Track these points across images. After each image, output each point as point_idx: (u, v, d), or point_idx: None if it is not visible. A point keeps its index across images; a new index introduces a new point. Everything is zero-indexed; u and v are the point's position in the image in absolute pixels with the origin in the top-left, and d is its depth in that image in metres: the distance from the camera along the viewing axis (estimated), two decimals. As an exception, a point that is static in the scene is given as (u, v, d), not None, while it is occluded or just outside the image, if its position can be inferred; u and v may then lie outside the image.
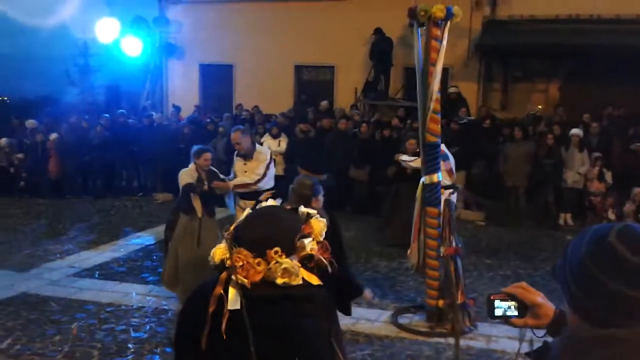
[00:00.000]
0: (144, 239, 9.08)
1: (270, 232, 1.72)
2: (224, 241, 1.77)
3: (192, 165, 6.05)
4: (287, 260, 1.68)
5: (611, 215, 9.99)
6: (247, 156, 6.25)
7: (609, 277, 1.28)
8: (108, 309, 6.20)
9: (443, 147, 7.23)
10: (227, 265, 1.70)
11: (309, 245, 1.73)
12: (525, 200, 10.58)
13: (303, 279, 1.71)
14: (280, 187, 11.36)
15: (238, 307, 1.66)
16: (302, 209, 1.85)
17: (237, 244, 1.72)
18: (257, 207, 1.90)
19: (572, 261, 1.36)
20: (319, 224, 1.81)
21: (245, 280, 1.66)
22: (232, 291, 1.68)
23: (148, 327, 5.76)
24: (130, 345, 5.38)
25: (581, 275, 1.33)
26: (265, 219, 1.79)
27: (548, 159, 10.22)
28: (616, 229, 1.32)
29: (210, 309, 1.71)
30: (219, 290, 1.70)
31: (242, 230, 1.76)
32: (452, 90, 12.40)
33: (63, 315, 6.04)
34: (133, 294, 6.64)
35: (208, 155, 6.12)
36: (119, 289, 6.84)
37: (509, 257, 8.36)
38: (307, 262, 1.73)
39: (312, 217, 1.82)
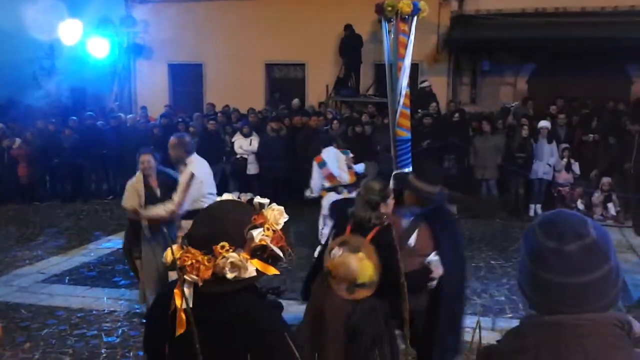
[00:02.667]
0: (115, 242, 8.93)
1: (216, 228, 1.72)
2: (178, 243, 1.77)
3: (138, 174, 5.67)
4: (234, 254, 1.67)
5: (580, 205, 10.19)
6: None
7: (532, 262, 1.34)
8: (79, 315, 6.09)
9: (323, 153, 7.87)
10: (177, 265, 1.69)
11: (259, 236, 1.72)
12: (496, 192, 10.73)
13: (257, 270, 1.70)
14: (253, 187, 11.44)
15: (190, 305, 1.66)
16: (257, 200, 1.83)
17: (187, 243, 1.73)
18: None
19: (520, 250, 1.43)
20: (273, 213, 1.79)
21: (196, 278, 1.66)
22: (187, 290, 1.68)
23: (120, 331, 5.67)
24: (102, 351, 5.29)
25: (520, 262, 1.39)
26: (212, 215, 1.79)
27: (519, 152, 10.36)
28: (542, 215, 1.40)
29: (171, 310, 1.71)
30: (178, 291, 1.70)
31: (192, 229, 1.77)
32: (424, 84, 12.47)
33: (33, 322, 5.92)
34: (104, 298, 6.53)
35: (144, 157, 5.63)
36: (90, 294, 6.72)
37: (481, 249, 8.47)
38: (260, 252, 1.72)
39: (264, 206, 1.80)
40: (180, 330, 1.68)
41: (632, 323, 1.30)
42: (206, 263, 1.67)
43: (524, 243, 1.39)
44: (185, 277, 1.67)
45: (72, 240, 9.08)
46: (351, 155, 8.09)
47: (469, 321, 5.68)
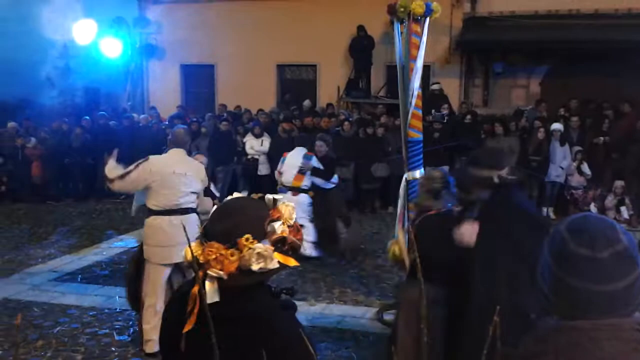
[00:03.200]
0: (127, 241, 9.00)
1: (238, 221, 1.73)
2: (196, 240, 1.77)
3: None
4: (260, 244, 1.69)
5: (593, 208, 10.10)
6: None
7: (560, 268, 1.31)
8: (91, 313, 6.13)
9: (292, 152, 8.17)
10: (200, 262, 1.70)
11: (280, 228, 1.75)
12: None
13: (279, 262, 1.72)
14: (264, 187, 11.45)
15: (217, 299, 1.67)
16: (269, 195, 1.85)
17: (207, 239, 1.73)
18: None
19: (541, 255, 1.39)
20: (287, 208, 1.81)
21: (221, 272, 1.67)
22: (209, 285, 1.69)
23: (132, 330, 5.70)
24: (113, 349, 5.32)
25: (542, 266, 1.36)
26: (231, 209, 1.80)
27: (534, 154, 10.30)
28: (570, 220, 1.36)
29: (189, 308, 1.71)
30: (197, 288, 1.70)
31: (211, 225, 1.77)
32: (434, 87, 12.45)
33: (45, 320, 5.97)
34: (116, 297, 6.56)
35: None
36: (102, 293, 6.76)
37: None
38: (281, 245, 1.74)
39: (278, 202, 1.82)
40: (189, 326, 1.68)
41: None
42: (230, 257, 1.68)
43: (550, 247, 1.35)
44: (209, 272, 1.68)
45: (84, 239, 9.14)
46: (313, 163, 7.97)
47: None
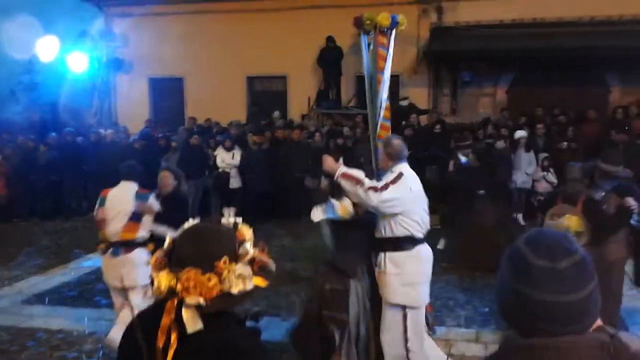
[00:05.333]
0: (95, 260, 8.75)
1: (213, 245, 1.71)
2: (155, 270, 1.71)
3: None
4: (238, 266, 1.68)
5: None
6: None
7: (519, 282, 1.31)
8: (59, 336, 5.98)
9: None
10: (176, 290, 1.64)
11: (251, 249, 1.75)
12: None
13: (253, 282, 1.72)
14: (236, 200, 11.36)
15: (201, 326, 1.63)
16: (226, 219, 1.84)
17: (179, 266, 1.68)
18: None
19: (500, 270, 1.40)
20: (248, 231, 1.81)
21: (201, 299, 1.63)
22: (187, 313, 1.64)
23: (101, 353, 5.56)
24: (83, 373, 5.20)
25: (501, 283, 1.37)
26: (201, 234, 1.77)
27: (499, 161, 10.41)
28: (526, 235, 1.38)
29: (160, 343, 1.65)
30: (168, 320, 1.64)
31: (181, 251, 1.72)
32: (403, 103, 12.54)
33: (12, 344, 5.79)
34: (85, 319, 6.40)
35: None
36: (70, 315, 6.59)
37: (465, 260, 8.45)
38: (251, 265, 1.74)
39: (238, 224, 1.82)
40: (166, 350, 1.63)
41: (628, 342, 1.28)
42: (207, 282, 1.64)
43: (508, 263, 1.36)
44: (187, 299, 1.63)
45: (51, 259, 8.94)
46: (152, 204, 5.32)
47: (450, 333, 5.74)
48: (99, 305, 6.90)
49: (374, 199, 4.14)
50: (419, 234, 4.30)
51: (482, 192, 8.21)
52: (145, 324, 1.71)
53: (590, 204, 4.82)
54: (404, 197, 4.22)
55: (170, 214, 5.07)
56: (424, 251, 4.36)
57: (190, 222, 1.84)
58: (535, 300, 1.29)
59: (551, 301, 1.28)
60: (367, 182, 4.24)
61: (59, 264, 8.67)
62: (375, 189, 4.17)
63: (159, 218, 5.26)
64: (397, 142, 4.52)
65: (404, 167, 4.41)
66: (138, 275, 5.23)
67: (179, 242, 1.75)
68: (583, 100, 12.31)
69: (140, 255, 5.28)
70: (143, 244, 5.31)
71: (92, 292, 7.38)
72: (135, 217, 5.29)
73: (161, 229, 5.14)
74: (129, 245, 5.30)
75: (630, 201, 4.74)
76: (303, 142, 11.58)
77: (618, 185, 4.98)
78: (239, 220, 1.84)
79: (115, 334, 5.03)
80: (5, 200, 11.82)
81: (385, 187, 4.20)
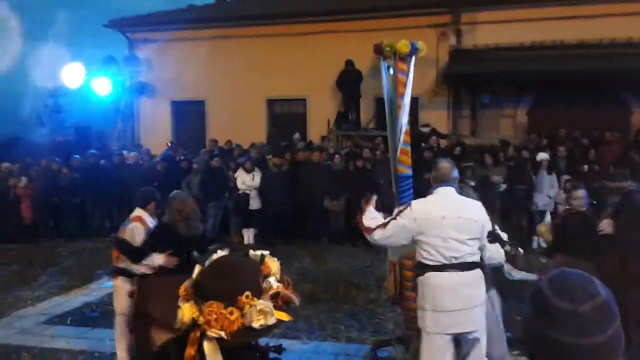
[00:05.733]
0: (118, 281, 8.90)
1: (237, 279, 1.73)
2: (183, 301, 1.75)
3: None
4: (261, 301, 1.69)
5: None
6: None
7: (540, 321, 1.33)
8: (81, 357, 6.03)
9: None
10: (199, 323, 1.68)
11: (274, 283, 1.76)
12: (498, 224, 10.66)
13: (275, 317, 1.73)
14: (256, 221, 11.42)
15: (221, 359, 1.66)
16: (252, 252, 1.86)
17: (203, 299, 1.71)
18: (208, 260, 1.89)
19: (526, 307, 1.41)
20: (275, 263, 1.83)
21: (222, 333, 1.66)
22: (209, 346, 1.67)
23: (122, 373, 5.60)
24: (104, 394, 5.23)
25: (525, 320, 1.38)
26: (226, 267, 1.79)
27: (519, 184, 10.37)
28: (550, 274, 1.39)
29: None
30: (191, 350, 1.68)
31: (206, 284, 1.75)
32: (424, 129, 12.56)
33: (35, 365, 5.87)
34: (106, 339, 6.46)
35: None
36: (92, 335, 6.66)
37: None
38: (275, 300, 1.75)
39: (265, 257, 1.83)
40: None
41: None
42: (229, 316, 1.67)
43: (532, 303, 1.37)
44: (209, 332, 1.66)
45: (74, 280, 9.04)
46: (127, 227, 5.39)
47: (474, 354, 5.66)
48: (121, 327, 6.94)
49: (370, 240, 4.41)
50: (429, 262, 4.17)
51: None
52: (176, 353, 1.75)
53: (576, 220, 5.44)
54: (405, 229, 4.21)
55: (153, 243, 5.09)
56: (435, 279, 4.16)
57: (219, 253, 1.88)
58: (556, 341, 1.30)
59: (571, 343, 1.29)
60: (374, 224, 4.38)
61: (81, 284, 8.77)
62: (369, 230, 4.37)
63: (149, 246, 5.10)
64: (443, 165, 4.43)
65: (439, 191, 4.34)
66: (117, 303, 5.35)
67: (204, 274, 1.78)
68: (604, 122, 12.21)
69: (120, 284, 5.27)
70: (127, 272, 5.18)
71: (113, 313, 7.43)
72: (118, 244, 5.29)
73: (149, 259, 4.97)
74: (115, 271, 5.36)
75: (604, 226, 5.22)
76: (323, 163, 11.64)
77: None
78: (266, 253, 1.86)
79: None
80: (31, 221, 12.03)
81: (384, 225, 4.32)
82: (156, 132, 15.57)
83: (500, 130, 13.69)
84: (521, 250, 4.47)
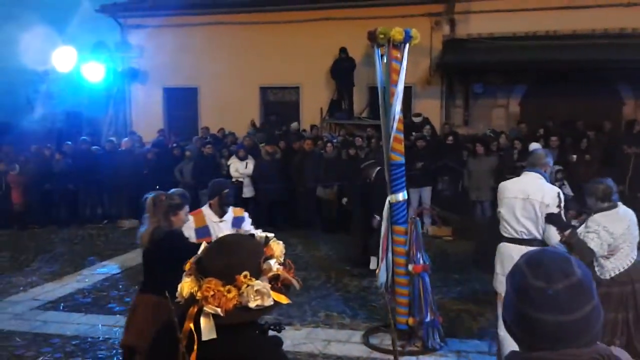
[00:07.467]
0: (110, 267, 8.92)
1: (236, 258, 1.75)
2: (186, 275, 1.77)
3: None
4: (258, 282, 1.71)
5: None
6: None
7: (519, 300, 1.37)
8: (74, 342, 6.05)
9: None
10: (197, 298, 1.70)
11: (275, 265, 1.77)
12: (491, 214, 10.74)
13: (273, 299, 1.74)
14: (249, 210, 11.42)
15: (214, 336, 1.67)
16: (259, 233, 1.88)
17: (203, 275, 1.73)
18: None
19: (506, 287, 1.45)
20: (279, 246, 1.84)
21: (218, 309, 1.67)
22: (205, 322, 1.69)
23: (115, 359, 5.63)
24: (97, 379, 5.26)
25: (506, 299, 1.42)
26: (227, 246, 1.81)
27: (510, 174, 10.40)
28: (528, 254, 1.43)
29: (182, 345, 1.70)
30: (189, 325, 1.70)
31: (207, 261, 1.77)
32: (416, 119, 12.56)
33: (27, 350, 5.88)
34: (99, 325, 6.49)
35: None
36: (85, 321, 6.67)
37: (478, 271, 8.44)
38: (274, 282, 1.76)
39: (270, 240, 1.84)
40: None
41: (620, 356, 1.34)
42: (227, 294, 1.69)
43: (511, 281, 1.42)
44: (206, 308, 1.68)
45: (66, 266, 9.04)
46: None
47: (462, 345, 5.74)
48: (113, 312, 6.97)
49: None
50: (504, 233, 4.87)
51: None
52: (171, 330, 1.76)
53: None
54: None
55: None
56: (505, 248, 4.84)
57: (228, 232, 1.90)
58: (534, 318, 1.34)
59: (547, 320, 1.33)
60: None
61: (73, 271, 8.76)
62: None
63: None
64: (538, 153, 5.25)
65: (526, 175, 4.93)
66: None
67: (207, 251, 1.81)
68: (596, 113, 12.28)
69: None
70: None
71: (106, 299, 7.47)
72: None
73: None
74: None
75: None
76: (316, 152, 11.64)
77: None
78: (271, 235, 1.87)
79: None
80: (22, 207, 11.98)
81: None
82: (148, 119, 15.48)
83: (493, 120, 13.72)
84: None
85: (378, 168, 8.25)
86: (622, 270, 4.54)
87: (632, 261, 4.58)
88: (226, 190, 5.06)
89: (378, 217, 7.73)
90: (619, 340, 4.49)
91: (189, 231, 4.69)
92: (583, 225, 4.68)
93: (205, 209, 5.06)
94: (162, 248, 4.10)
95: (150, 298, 4.05)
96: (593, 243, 4.49)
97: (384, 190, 6.12)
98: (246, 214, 5.22)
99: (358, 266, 8.53)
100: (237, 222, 5.03)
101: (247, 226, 5.06)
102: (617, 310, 4.54)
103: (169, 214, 4.24)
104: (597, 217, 4.59)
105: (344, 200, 9.71)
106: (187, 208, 4.43)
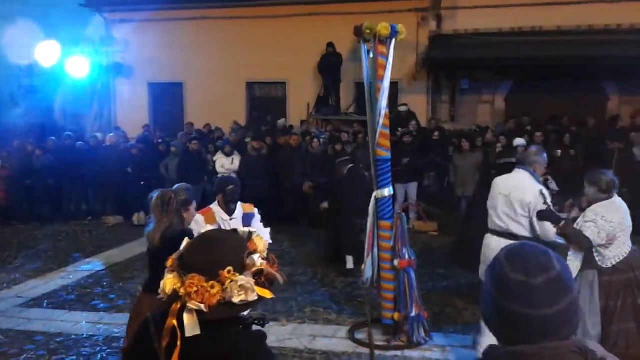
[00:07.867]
0: (94, 264, 8.84)
1: (219, 254, 1.73)
2: (168, 272, 1.75)
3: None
4: (242, 277, 1.69)
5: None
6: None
7: (498, 294, 1.37)
8: (57, 339, 5.99)
9: None
10: (180, 294, 1.69)
11: (259, 260, 1.76)
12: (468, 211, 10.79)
13: (257, 294, 1.73)
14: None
15: (198, 332, 1.66)
16: (242, 228, 1.86)
17: (186, 271, 1.72)
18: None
19: (484, 280, 1.45)
20: (262, 241, 1.83)
21: (202, 305, 1.66)
22: (188, 318, 1.68)
23: (99, 356, 5.58)
24: (81, 376, 5.21)
25: (484, 292, 1.42)
26: (210, 242, 1.80)
27: (492, 169, 10.45)
28: (508, 247, 1.43)
29: (164, 342, 1.69)
30: (172, 321, 1.68)
31: (189, 257, 1.75)
32: (401, 108, 12.58)
33: (11, 347, 5.81)
34: (83, 322, 6.43)
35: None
36: (69, 318, 6.61)
37: (459, 267, 8.48)
38: (258, 277, 1.75)
39: (253, 235, 1.83)
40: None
41: (595, 349, 1.35)
42: (210, 289, 1.67)
43: (490, 275, 1.41)
44: (189, 304, 1.67)
45: (50, 263, 8.94)
46: None
47: (447, 340, 5.77)
48: (97, 309, 6.92)
49: None
50: (490, 225, 5.10)
51: None
52: (157, 324, 1.76)
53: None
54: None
55: None
56: (488, 240, 5.09)
57: (208, 228, 1.89)
58: (512, 312, 1.34)
59: (526, 314, 1.33)
60: None
61: (57, 268, 8.67)
62: None
63: None
64: (529, 150, 5.37)
65: (516, 172, 5.09)
66: None
67: (189, 247, 1.79)
68: (581, 108, 12.38)
69: None
70: None
71: (90, 296, 7.40)
72: None
73: None
74: None
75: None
76: (302, 147, 11.62)
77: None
78: (254, 230, 1.86)
79: None
80: (4, 203, 11.83)
81: None
82: (133, 115, 15.35)
83: (478, 116, 13.79)
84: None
85: (350, 165, 8.24)
86: (622, 258, 4.61)
87: (629, 250, 4.65)
88: (230, 187, 5.00)
89: (325, 204, 7.64)
90: (633, 324, 4.54)
91: (199, 230, 4.57)
92: (581, 216, 4.72)
93: (215, 207, 5.02)
94: (173, 248, 4.07)
95: (154, 298, 4.01)
96: (589, 232, 4.54)
97: (353, 187, 6.14)
98: (256, 210, 5.17)
99: (333, 264, 8.46)
100: (247, 218, 5.00)
101: (257, 223, 5.04)
102: (624, 297, 4.58)
103: (180, 211, 4.20)
104: (595, 207, 4.64)
105: (324, 205, 9.44)
106: (194, 202, 4.41)
